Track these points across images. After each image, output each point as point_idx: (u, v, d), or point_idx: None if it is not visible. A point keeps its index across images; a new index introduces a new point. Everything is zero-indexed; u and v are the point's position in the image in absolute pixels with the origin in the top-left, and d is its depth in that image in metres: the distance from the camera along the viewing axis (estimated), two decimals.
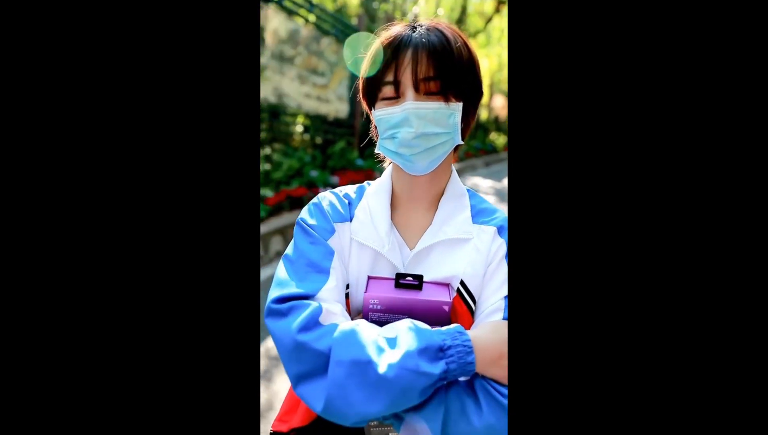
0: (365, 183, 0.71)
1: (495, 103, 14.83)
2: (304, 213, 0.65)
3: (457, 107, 0.60)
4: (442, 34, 0.59)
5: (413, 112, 0.58)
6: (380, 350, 0.51)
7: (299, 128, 5.27)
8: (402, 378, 0.49)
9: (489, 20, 11.98)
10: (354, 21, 6.71)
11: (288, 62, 4.80)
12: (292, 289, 0.56)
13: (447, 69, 0.58)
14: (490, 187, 6.82)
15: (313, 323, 0.53)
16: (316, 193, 4.30)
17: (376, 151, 0.64)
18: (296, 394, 0.54)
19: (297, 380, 0.54)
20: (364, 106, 0.65)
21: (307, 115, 5.31)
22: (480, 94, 0.65)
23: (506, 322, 0.57)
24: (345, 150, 5.50)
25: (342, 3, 7.87)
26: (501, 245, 0.63)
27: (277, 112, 4.76)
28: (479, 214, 0.66)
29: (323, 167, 5.08)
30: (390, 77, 0.59)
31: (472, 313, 0.62)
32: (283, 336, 0.54)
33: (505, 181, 7.48)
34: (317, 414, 0.52)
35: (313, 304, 0.55)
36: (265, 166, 4.27)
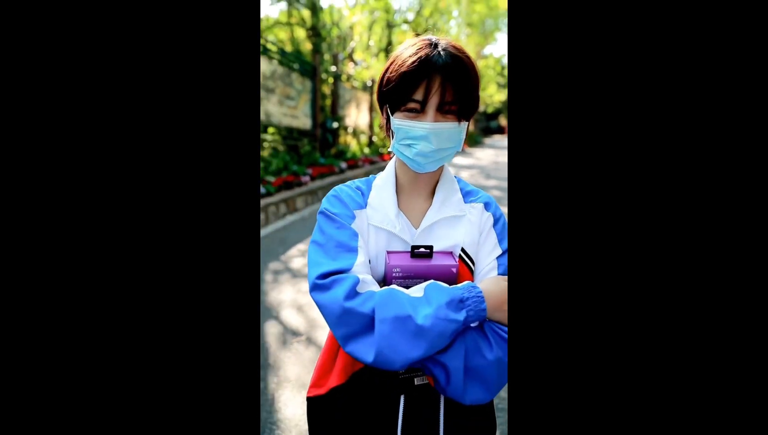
0: (370, 176, 0.82)
1: None
2: (326, 203, 0.76)
3: (465, 125, 0.72)
4: (462, 62, 0.68)
5: (433, 131, 0.68)
6: (415, 306, 0.63)
7: (269, 137, 7.42)
8: (437, 326, 0.61)
9: None
10: (310, 58, 9.05)
11: (271, 92, 7.02)
12: (331, 266, 0.67)
13: (465, 98, 0.69)
14: None
15: (354, 292, 0.64)
16: (299, 179, 6.50)
17: (389, 150, 0.75)
18: (346, 352, 0.65)
19: (346, 340, 0.64)
20: (378, 105, 0.74)
21: (285, 128, 7.53)
22: (477, 109, 0.74)
23: (503, 276, 0.71)
24: (310, 152, 7.80)
25: (296, 44, 10.19)
26: (488, 217, 0.78)
27: (265, 126, 6.97)
28: (467, 195, 0.80)
29: (299, 163, 7.34)
30: (419, 96, 0.68)
31: (471, 272, 0.75)
32: (331, 304, 0.64)
33: None
34: (368, 364, 0.63)
35: (351, 276, 0.66)
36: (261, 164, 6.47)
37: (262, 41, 6.90)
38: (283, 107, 7.38)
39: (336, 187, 0.78)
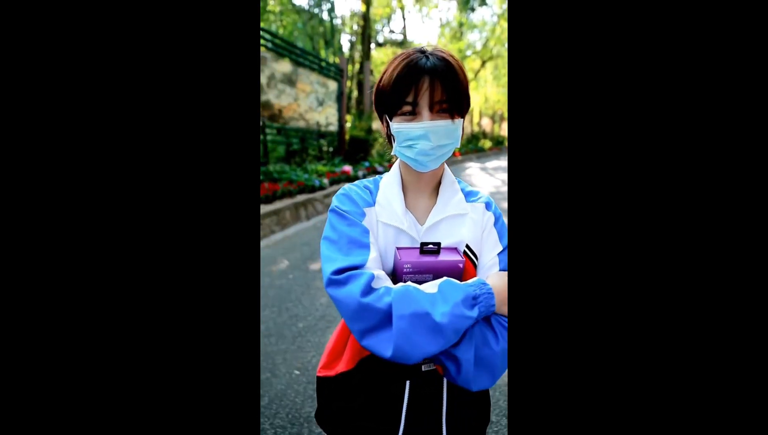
0: (377, 177, 0.86)
1: (483, 122, 22.10)
2: (337, 202, 0.78)
3: (460, 122, 0.74)
4: (449, 63, 0.71)
5: (431, 129, 0.71)
6: (433, 303, 0.65)
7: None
8: (453, 322, 0.64)
9: (478, 72, 19.12)
10: None
11: None
12: (345, 262, 0.69)
13: (454, 94, 0.71)
14: (478, 167, 13.50)
15: (369, 288, 0.66)
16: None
17: (392, 153, 0.78)
18: (362, 346, 0.67)
19: (362, 334, 0.66)
20: (377, 115, 0.78)
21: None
22: (469, 108, 0.77)
23: (505, 271, 0.75)
24: None
25: None
26: (490, 217, 0.81)
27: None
28: (468, 195, 0.83)
29: None
30: (410, 98, 0.71)
31: (475, 266, 0.79)
32: (348, 300, 0.66)
33: (487, 163, 14.11)
34: (386, 358, 0.65)
35: (366, 272, 0.68)
36: None
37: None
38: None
39: (345, 186, 0.81)
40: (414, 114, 0.72)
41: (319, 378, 0.83)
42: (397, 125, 0.73)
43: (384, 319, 0.65)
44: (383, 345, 0.64)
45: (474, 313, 0.66)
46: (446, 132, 0.72)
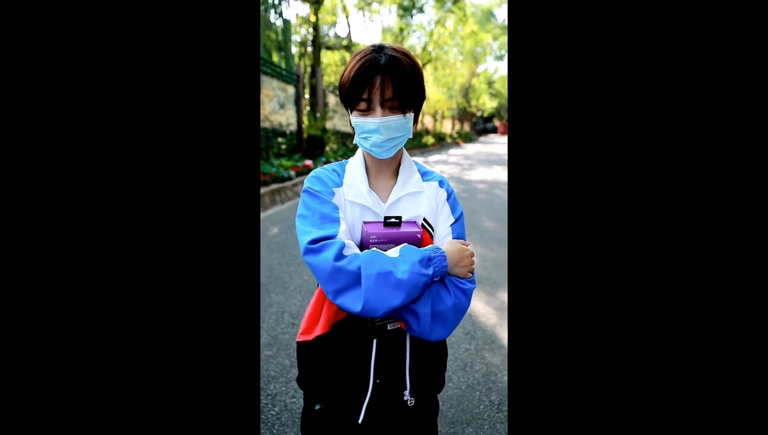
0: (343, 161, 0.96)
1: (425, 120, 24.03)
2: (308, 183, 0.88)
3: (411, 116, 0.85)
4: (401, 62, 0.81)
5: (382, 124, 0.81)
6: (394, 264, 0.75)
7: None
8: (412, 279, 0.74)
9: None
10: None
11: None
12: (319, 233, 0.79)
13: (404, 92, 0.81)
14: (421, 161, 15.05)
15: (341, 254, 0.76)
16: None
17: (354, 142, 0.89)
18: (336, 304, 0.77)
19: (336, 294, 0.76)
20: (344, 106, 0.88)
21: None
22: (423, 100, 0.87)
23: (457, 239, 0.88)
24: None
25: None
26: (443, 193, 0.94)
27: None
28: (424, 175, 0.96)
29: None
30: (365, 96, 0.81)
31: (431, 237, 0.90)
32: (323, 265, 0.76)
33: (429, 157, 15.78)
34: (356, 313, 0.75)
35: (338, 241, 0.78)
36: None
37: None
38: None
39: (315, 170, 0.92)
40: (369, 109, 0.82)
41: (298, 343, 0.93)
42: (355, 119, 0.85)
43: (354, 279, 0.75)
44: (354, 301, 0.75)
45: (429, 271, 0.77)
46: (397, 126, 0.83)
